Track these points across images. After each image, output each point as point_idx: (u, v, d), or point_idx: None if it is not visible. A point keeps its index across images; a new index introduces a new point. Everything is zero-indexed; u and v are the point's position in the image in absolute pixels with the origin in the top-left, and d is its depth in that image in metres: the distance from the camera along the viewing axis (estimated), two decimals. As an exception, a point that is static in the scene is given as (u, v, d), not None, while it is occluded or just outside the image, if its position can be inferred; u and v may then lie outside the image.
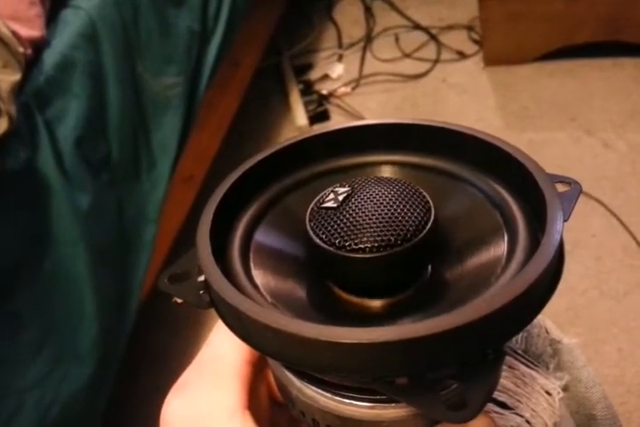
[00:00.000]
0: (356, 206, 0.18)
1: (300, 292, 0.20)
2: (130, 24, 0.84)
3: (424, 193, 0.19)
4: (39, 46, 0.75)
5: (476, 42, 1.49)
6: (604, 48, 1.33)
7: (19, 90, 0.70)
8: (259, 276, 0.19)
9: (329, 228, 0.18)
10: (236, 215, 0.21)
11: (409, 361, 0.15)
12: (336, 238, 0.18)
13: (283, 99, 1.48)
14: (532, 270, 0.16)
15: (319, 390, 0.19)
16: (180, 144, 0.92)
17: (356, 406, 0.18)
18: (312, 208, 0.19)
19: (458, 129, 0.21)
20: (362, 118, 1.39)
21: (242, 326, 0.17)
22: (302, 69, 1.55)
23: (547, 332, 0.30)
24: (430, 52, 1.51)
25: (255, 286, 0.19)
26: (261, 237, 0.21)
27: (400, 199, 0.18)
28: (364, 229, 0.18)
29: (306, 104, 1.44)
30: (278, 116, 1.45)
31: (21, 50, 0.71)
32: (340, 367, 0.15)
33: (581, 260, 1.06)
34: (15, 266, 0.67)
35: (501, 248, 0.19)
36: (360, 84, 1.48)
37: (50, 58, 0.75)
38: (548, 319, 0.31)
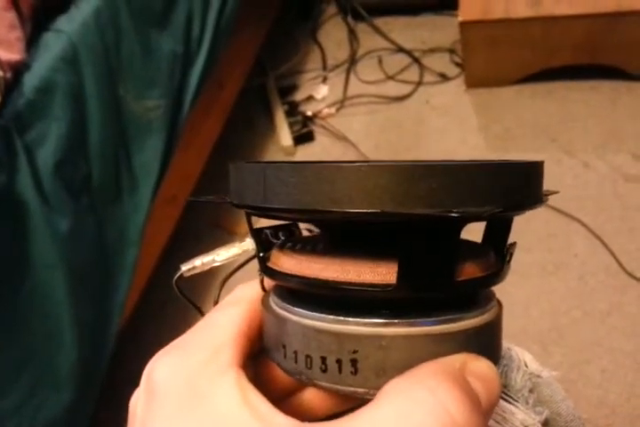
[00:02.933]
0: None
1: None
2: (112, 47, 0.84)
3: None
4: (19, 70, 0.75)
5: (457, 64, 1.51)
6: (583, 71, 1.36)
7: (-2, 114, 0.69)
8: None
9: None
10: None
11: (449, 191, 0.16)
12: None
13: (267, 119, 1.48)
14: None
15: (316, 315, 0.19)
16: (162, 166, 0.91)
17: (354, 323, 0.18)
18: None
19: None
20: (346, 139, 1.40)
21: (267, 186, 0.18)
22: (287, 90, 1.56)
23: (526, 366, 0.30)
24: (413, 74, 1.53)
25: None
26: None
27: None
28: None
29: (291, 125, 1.44)
30: (263, 136, 1.46)
31: (0, 73, 0.71)
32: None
33: (565, 280, 1.07)
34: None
35: None
36: (344, 106, 1.49)
37: (30, 81, 0.74)
38: (527, 353, 0.30)
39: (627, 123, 1.30)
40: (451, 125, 1.39)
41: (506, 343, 0.30)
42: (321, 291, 0.19)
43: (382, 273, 0.18)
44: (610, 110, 1.34)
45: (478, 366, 0.18)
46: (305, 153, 1.41)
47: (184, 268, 0.23)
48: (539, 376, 0.29)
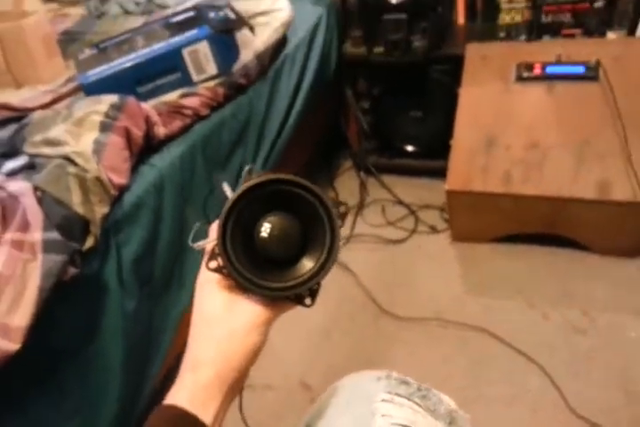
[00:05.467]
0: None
1: None
2: (187, 184, 1.13)
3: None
4: (123, 190, 1.02)
5: (446, 220, 1.82)
6: (549, 237, 1.65)
7: (104, 219, 0.95)
8: None
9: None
10: None
11: None
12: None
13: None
14: None
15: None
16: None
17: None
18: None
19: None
20: (348, 269, 1.65)
21: None
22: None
23: (449, 405, 0.50)
24: (409, 223, 1.84)
25: None
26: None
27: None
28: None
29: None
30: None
31: (112, 192, 0.98)
32: None
33: (518, 411, 1.24)
34: (67, 348, 0.85)
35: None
36: (350, 241, 1.78)
37: (128, 199, 1.02)
38: (452, 400, 0.51)
39: (579, 285, 1.55)
40: (436, 270, 1.65)
41: (439, 392, 0.51)
42: None
43: None
44: (565, 273, 1.60)
45: None
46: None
47: (194, 245, 0.49)
48: (456, 411, 0.50)
